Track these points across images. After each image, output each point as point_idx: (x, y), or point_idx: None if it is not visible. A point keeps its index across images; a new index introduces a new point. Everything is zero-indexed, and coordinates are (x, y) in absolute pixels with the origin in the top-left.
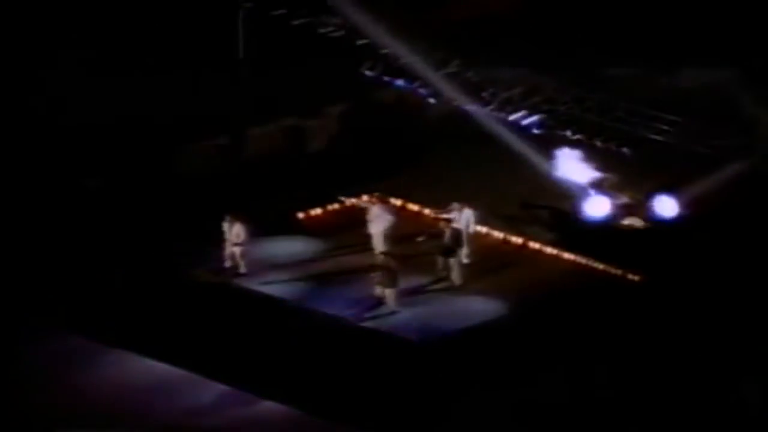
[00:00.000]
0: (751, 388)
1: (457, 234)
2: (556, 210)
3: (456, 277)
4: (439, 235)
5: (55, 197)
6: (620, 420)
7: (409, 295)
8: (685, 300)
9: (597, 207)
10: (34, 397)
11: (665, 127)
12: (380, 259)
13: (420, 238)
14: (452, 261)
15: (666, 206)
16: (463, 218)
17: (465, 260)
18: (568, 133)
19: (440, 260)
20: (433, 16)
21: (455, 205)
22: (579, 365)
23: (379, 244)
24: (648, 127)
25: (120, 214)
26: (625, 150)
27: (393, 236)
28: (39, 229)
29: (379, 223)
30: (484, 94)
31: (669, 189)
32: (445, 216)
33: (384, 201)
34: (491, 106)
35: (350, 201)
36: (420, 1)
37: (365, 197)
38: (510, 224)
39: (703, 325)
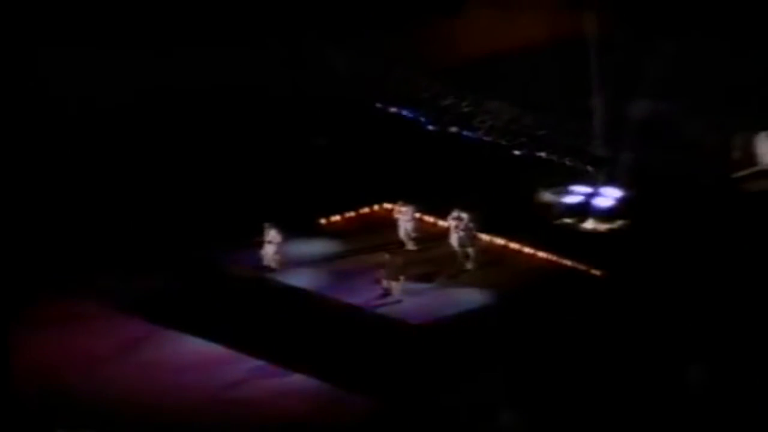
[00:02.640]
0: (696, 371)
1: (470, 232)
2: (533, 216)
3: (471, 264)
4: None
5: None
6: (583, 394)
7: (411, 286)
8: (641, 293)
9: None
10: (95, 377)
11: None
12: (387, 257)
13: (413, 247)
14: (470, 251)
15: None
16: (464, 222)
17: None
18: (543, 154)
19: (460, 251)
20: (437, 55)
21: (456, 211)
22: (550, 345)
23: (408, 243)
24: (608, 149)
25: (182, 219)
26: (589, 167)
27: (413, 237)
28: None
29: (402, 225)
30: (475, 122)
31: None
32: (452, 220)
33: (407, 207)
34: (480, 132)
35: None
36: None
37: (392, 205)
38: (495, 228)
39: (655, 315)
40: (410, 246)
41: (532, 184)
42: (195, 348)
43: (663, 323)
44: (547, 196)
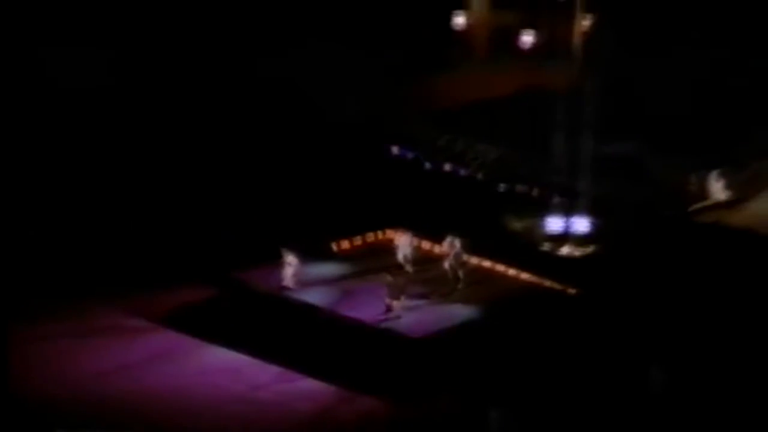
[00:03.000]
0: (656, 373)
1: (460, 256)
2: (516, 241)
3: (461, 284)
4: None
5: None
6: (561, 394)
7: (410, 303)
8: (609, 308)
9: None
10: (130, 381)
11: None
12: (389, 277)
13: (410, 269)
14: (460, 273)
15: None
16: (456, 247)
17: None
18: (524, 188)
19: (451, 273)
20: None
21: (449, 238)
22: (533, 353)
23: (406, 265)
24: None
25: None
26: (560, 198)
27: (410, 259)
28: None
29: (401, 249)
30: (466, 160)
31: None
32: (446, 246)
33: (405, 234)
34: (471, 169)
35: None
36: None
37: (393, 231)
38: (483, 252)
39: (621, 325)
40: (408, 268)
41: (513, 214)
42: (222, 355)
43: (628, 333)
44: (524, 224)
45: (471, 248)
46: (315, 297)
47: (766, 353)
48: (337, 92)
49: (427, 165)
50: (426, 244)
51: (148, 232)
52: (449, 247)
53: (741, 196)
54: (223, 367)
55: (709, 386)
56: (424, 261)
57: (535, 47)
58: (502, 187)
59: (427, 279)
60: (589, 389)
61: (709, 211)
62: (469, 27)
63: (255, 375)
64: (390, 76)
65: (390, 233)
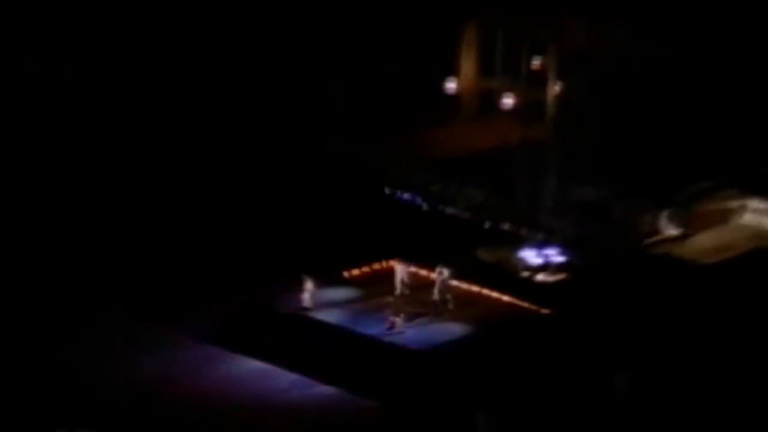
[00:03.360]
0: (621, 379)
1: (447, 282)
2: (498, 270)
3: (451, 305)
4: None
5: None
6: (538, 397)
7: (411, 321)
8: (578, 324)
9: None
10: (175, 387)
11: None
12: (392, 300)
13: (404, 291)
14: (448, 296)
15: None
16: (445, 274)
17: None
18: (506, 226)
19: (440, 297)
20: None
21: (439, 267)
22: (513, 363)
23: (404, 289)
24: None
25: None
26: (537, 234)
27: (407, 285)
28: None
29: (399, 276)
30: (456, 202)
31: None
32: (436, 274)
33: (403, 263)
34: (460, 209)
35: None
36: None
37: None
38: (470, 278)
39: (588, 338)
40: (404, 292)
41: (496, 247)
42: (251, 364)
43: (595, 345)
44: (505, 255)
45: (458, 275)
46: (329, 316)
47: (709, 360)
48: (349, 146)
49: (424, 206)
50: (422, 272)
51: (191, 263)
52: (438, 274)
53: (686, 232)
54: (250, 375)
55: (666, 389)
56: (420, 286)
57: (515, 108)
58: (487, 224)
59: (423, 301)
60: (563, 394)
61: (660, 244)
62: (460, 90)
63: (278, 381)
64: (393, 132)
65: (392, 263)
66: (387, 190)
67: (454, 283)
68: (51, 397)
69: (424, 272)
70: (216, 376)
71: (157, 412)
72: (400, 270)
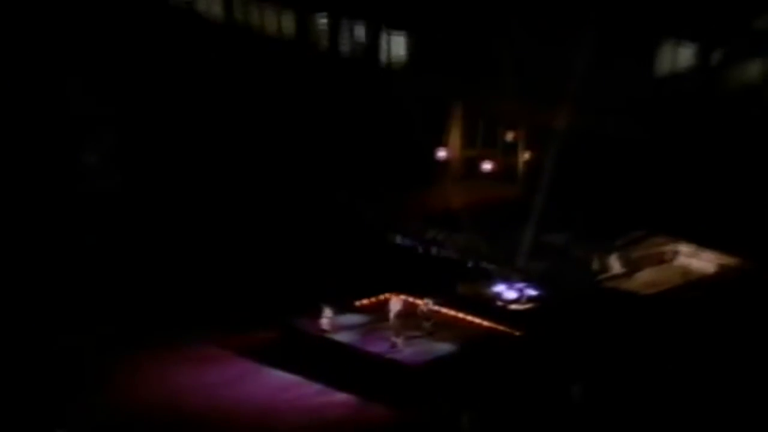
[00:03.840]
0: (577, 389)
1: (431, 311)
2: (479, 299)
3: (432, 329)
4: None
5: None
6: (508, 402)
7: (407, 342)
8: (543, 344)
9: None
10: (215, 397)
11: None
12: (393, 323)
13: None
14: (431, 322)
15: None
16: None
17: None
18: (487, 265)
19: (425, 322)
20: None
21: (426, 299)
22: (490, 375)
23: (396, 316)
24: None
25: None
26: (511, 271)
27: (402, 314)
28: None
29: (395, 307)
30: (446, 246)
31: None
32: (423, 304)
33: (398, 295)
34: (454, 252)
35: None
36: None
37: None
38: (455, 307)
39: (551, 355)
40: (397, 320)
41: (478, 281)
42: (280, 376)
43: (556, 361)
44: (485, 289)
45: (446, 305)
46: (344, 337)
47: (650, 372)
48: (359, 201)
49: (420, 249)
50: (417, 302)
51: (231, 290)
52: (424, 305)
53: (630, 270)
54: (279, 384)
55: (617, 398)
56: (415, 314)
57: (492, 172)
58: (470, 263)
59: (418, 326)
60: (530, 399)
61: (609, 280)
62: (448, 158)
63: (302, 390)
64: (395, 192)
65: (393, 297)
66: (391, 237)
67: (444, 311)
68: (97, 407)
69: (418, 302)
70: (256, 384)
71: (210, 412)
72: (395, 301)
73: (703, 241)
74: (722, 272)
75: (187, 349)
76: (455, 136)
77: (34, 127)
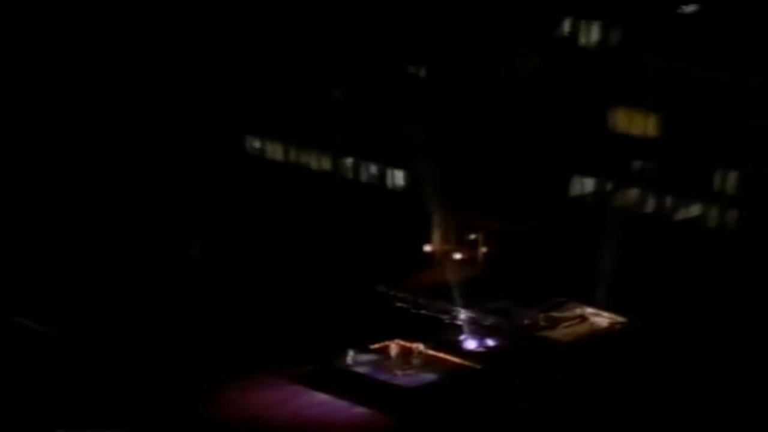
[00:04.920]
0: (524, 402)
1: (419, 352)
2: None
3: (423, 365)
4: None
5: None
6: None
7: (404, 373)
8: (495, 373)
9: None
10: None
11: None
12: (394, 361)
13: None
14: (420, 360)
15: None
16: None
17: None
18: (458, 322)
19: (416, 361)
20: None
21: (415, 344)
22: (457, 396)
23: (396, 356)
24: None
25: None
26: (474, 326)
27: (401, 354)
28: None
29: (395, 349)
30: (428, 309)
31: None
32: (415, 347)
33: (397, 342)
34: (435, 312)
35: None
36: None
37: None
38: (437, 349)
39: (501, 380)
40: (398, 360)
41: (449, 332)
42: (315, 396)
43: (510, 383)
44: (456, 337)
45: (429, 348)
46: (361, 369)
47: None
48: (370, 283)
49: (413, 311)
50: (410, 347)
51: (279, 333)
52: (415, 348)
53: (552, 324)
54: (318, 402)
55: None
56: (409, 355)
57: (460, 260)
58: (446, 320)
59: (410, 362)
60: (486, 414)
61: (539, 332)
62: (433, 251)
63: (333, 405)
64: (398, 274)
65: (394, 342)
66: (394, 302)
67: (429, 352)
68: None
69: (411, 346)
70: (302, 401)
71: (270, 420)
72: (395, 346)
73: (600, 304)
74: (612, 326)
75: (255, 377)
76: (437, 237)
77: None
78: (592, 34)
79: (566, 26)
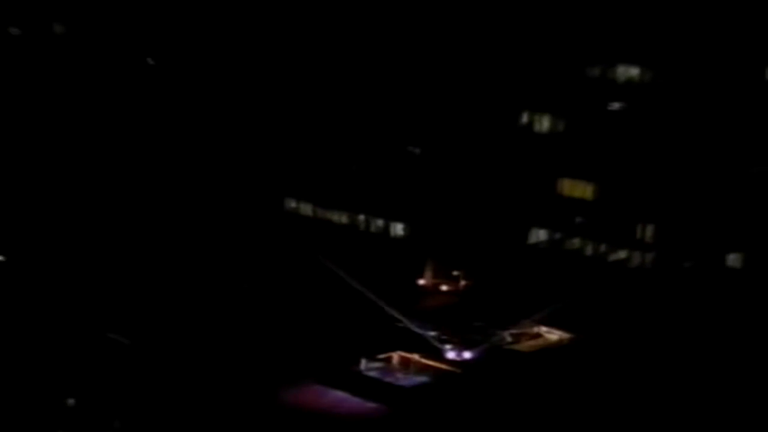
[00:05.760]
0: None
1: (416, 360)
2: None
3: (418, 370)
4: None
5: None
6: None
7: (404, 376)
8: (472, 376)
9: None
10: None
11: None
12: (396, 367)
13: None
14: (417, 367)
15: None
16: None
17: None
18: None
19: (413, 367)
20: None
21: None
22: (443, 395)
23: (398, 363)
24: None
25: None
26: (457, 342)
27: (401, 362)
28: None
29: (397, 358)
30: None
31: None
32: (413, 357)
33: (398, 353)
34: (428, 330)
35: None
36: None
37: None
38: (426, 358)
39: (478, 382)
40: (400, 364)
41: (443, 347)
42: (340, 394)
43: (482, 387)
44: (440, 350)
45: (423, 358)
46: (372, 374)
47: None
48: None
49: (411, 328)
50: (409, 357)
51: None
52: (412, 358)
53: (516, 340)
54: (340, 398)
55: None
56: (408, 363)
57: (446, 291)
58: (434, 335)
59: (408, 368)
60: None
61: (505, 344)
62: (425, 284)
63: (350, 400)
64: (400, 302)
65: (396, 353)
66: (396, 323)
67: (423, 361)
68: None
69: (410, 356)
70: (328, 398)
71: (308, 410)
72: (397, 356)
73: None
74: (561, 339)
75: (293, 380)
76: (428, 273)
77: None
78: (544, 123)
79: (524, 117)
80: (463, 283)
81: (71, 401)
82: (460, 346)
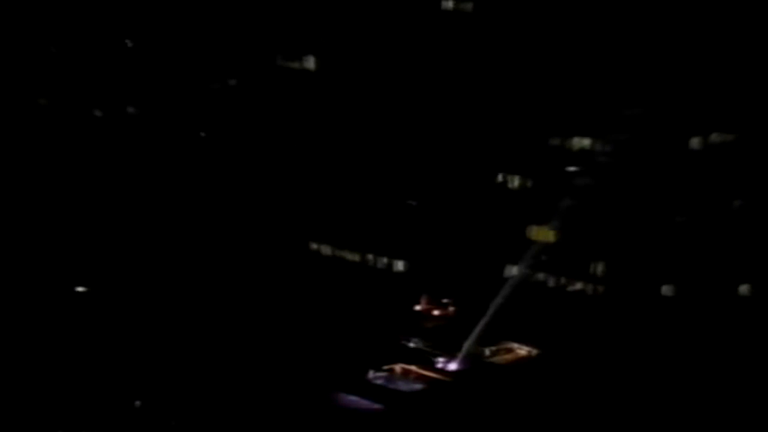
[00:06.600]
0: None
1: (414, 371)
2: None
3: (415, 379)
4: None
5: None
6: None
7: (404, 383)
8: (461, 384)
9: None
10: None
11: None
12: (398, 376)
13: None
14: (415, 376)
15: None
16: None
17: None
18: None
19: (412, 376)
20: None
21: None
22: (435, 399)
23: (399, 373)
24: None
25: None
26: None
27: (402, 372)
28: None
29: (399, 369)
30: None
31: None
32: (411, 368)
33: (400, 365)
34: (425, 346)
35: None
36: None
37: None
38: (423, 369)
39: (465, 387)
40: (401, 373)
41: (433, 359)
42: (352, 398)
43: (468, 391)
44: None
45: (420, 369)
46: (378, 381)
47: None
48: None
49: (411, 345)
50: (408, 368)
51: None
52: (411, 369)
53: (493, 354)
54: (349, 401)
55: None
56: (408, 373)
57: (438, 315)
58: (428, 350)
59: (408, 377)
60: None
61: (485, 358)
62: (421, 309)
63: (361, 403)
64: (402, 319)
65: (398, 365)
66: (399, 339)
67: (419, 371)
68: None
69: (409, 368)
70: (343, 401)
71: (321, 413)
72: (398, 368)
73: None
74: (530, 354)
75: (310, 386)
76: (423, 300)
77: None
78: (515, 181)
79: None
80: (451, 309)
81: (137, 403)
82: (447, 358)
